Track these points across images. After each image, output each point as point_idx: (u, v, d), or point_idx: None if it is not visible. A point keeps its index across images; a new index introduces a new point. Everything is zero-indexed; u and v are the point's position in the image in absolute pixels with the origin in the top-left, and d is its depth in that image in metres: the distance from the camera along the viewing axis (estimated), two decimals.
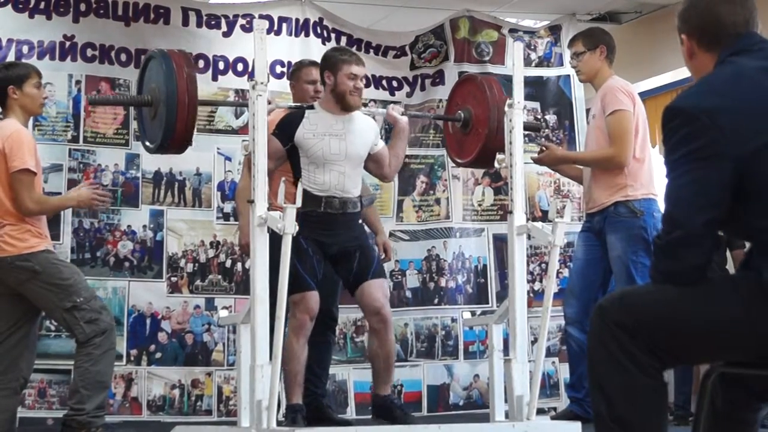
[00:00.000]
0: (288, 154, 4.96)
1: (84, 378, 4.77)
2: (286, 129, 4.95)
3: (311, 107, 5.02)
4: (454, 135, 5.36)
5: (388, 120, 5.19)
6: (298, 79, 5.52)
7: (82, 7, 6.10)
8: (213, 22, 6.39)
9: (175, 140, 4.52)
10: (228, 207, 6.23)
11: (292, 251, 4.79)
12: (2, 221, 4.77)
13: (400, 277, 6.44)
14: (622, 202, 5.25)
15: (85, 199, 4.98)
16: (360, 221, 5.14)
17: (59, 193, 5.80)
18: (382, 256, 5.50)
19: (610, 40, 5.54)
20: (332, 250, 4.96)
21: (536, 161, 5.65)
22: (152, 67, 4.65)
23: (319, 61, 5.75)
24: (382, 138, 5.23)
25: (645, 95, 7.05)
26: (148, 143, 4.72)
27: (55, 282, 4.78)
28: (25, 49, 5.95)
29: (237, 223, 6.03)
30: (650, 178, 5.36)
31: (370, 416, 5.91)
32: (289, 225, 4.15)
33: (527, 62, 6.49)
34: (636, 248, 5.20)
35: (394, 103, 6.33)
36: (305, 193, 4.82)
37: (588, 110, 5.82)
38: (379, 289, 4.98)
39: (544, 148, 5.62)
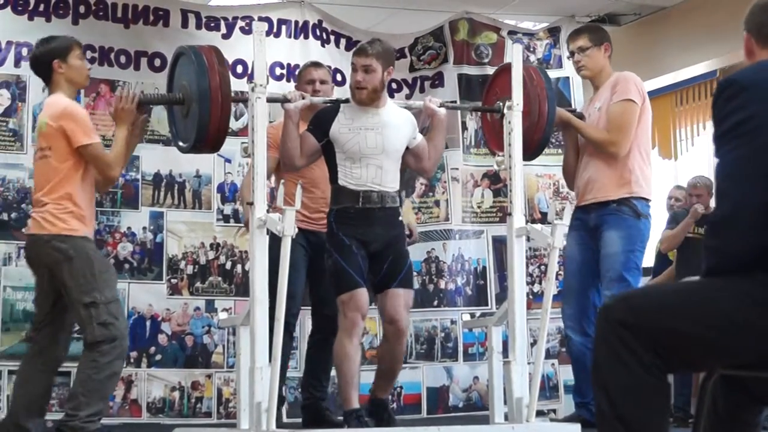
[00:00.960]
0: (324, 151, 4.86)
1: (85, 385, 4.70)
2: (320, 124, 4.84)
3: (346, 101, 4.92)
4: (493, 126, 5.25)
5: (425, 112, 5.07)
6: (300, 79, 5.49)
7: (82, 9, 6.10)
8: (212, 24, 6.39)
9: (209, 139, 4.47)
10: (228, 209, 6.23)
11: (335, 250, 4.77)
12: (44, 200, 4.73)
13: None
14: (626, 201, 5.19)
15: (123, 114, 4.78)
16: (400, 218, 5.02)
17: None
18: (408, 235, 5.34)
19: (610, 39, 5.49)
20: (373, 247, 4.83)
21: None
22: (183, 64, 4.59)
23: (321, 62, 5.77)
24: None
25: None
26: (181, 143, 4.67)
27: (84, 273, 4.69)
28: (24, 51, 5.94)
29: (237, 225, 6.05)
30: (650, 179, 5.34)
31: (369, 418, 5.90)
32: (288, 227, 4.15)
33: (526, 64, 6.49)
34: (633, 247, 5.17)
35: None
36: (341, 189, 4.80)
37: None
38: (401, 300, 4.86)
39: None
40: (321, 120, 4.86)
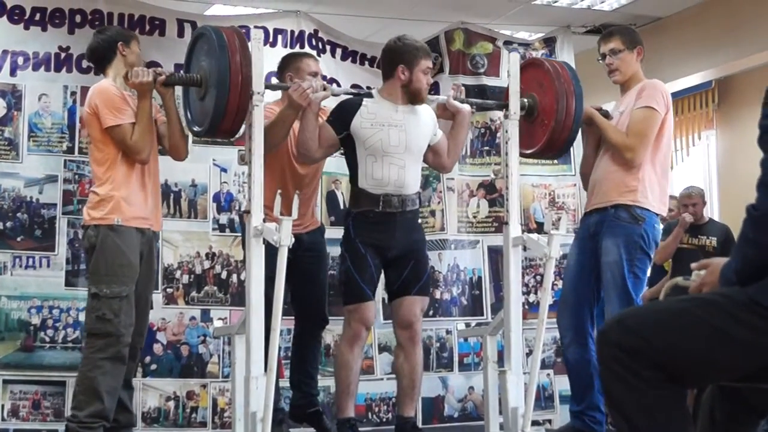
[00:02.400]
0: (343, 145, 4.81)
1: (81, 382, 4.72)
2: (341, 117, 4.77)
3: (369, 95, 4.86)
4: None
5: (449, 108, 4.95)
6: (298, 70, 5.18)
7: (78, 18, 6.09)
8: None
9: (225, 123, 4.36)
10: (223, 218, 6.22)
11: (349, 258, 4.76)
12: (91, 191, 4.90)
13: None
14: (625, 206, 5.03)
15: (140, 87, 4.74)
16: (419, 221, 5.00)
17: (54, 205, 5.82)
18: None
19: (643, 42, 5.31)
20: (391, 254, 4.80)
21: None
22: (202, 45, 4.51)
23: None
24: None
25: None
26: (195, 128, 4.61)
27: (98, 263, 4.75)
28: (20, 60, 5.94)
29: (233, 234, 6.02)
30: (663, 195, 5.17)
31: (369, 428, 5.90)
32: (285, 237, 4.14)
33: None
34: (632, 256, 5.00)
35: None
36: (360, 192, 4.76)
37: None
38: (418, 306, 4.87)
39: None
40: (343, 112, 4.80)
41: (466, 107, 4.96)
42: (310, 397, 5.31)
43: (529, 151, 5.15)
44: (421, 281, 4.86)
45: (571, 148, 6.70)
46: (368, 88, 5.02)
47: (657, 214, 5.13)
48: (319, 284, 5.24)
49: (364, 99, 4.83)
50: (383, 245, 4.78)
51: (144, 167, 4.89)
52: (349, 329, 4.76)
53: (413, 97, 4.81)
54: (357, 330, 4.75)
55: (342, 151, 4.98)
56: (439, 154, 4.96)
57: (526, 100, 5.03)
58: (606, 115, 5.25)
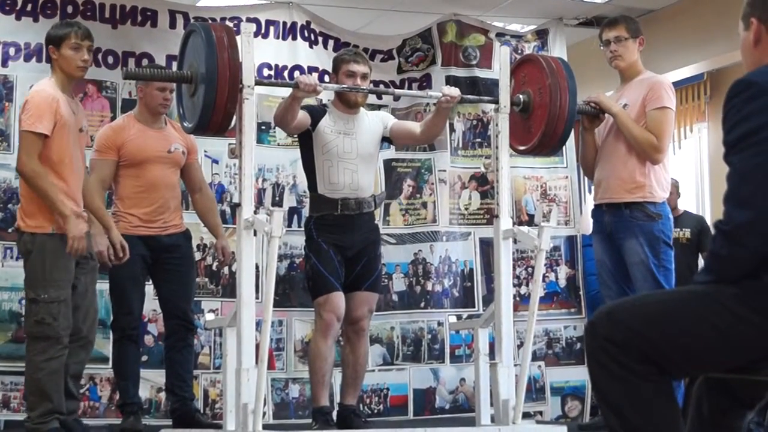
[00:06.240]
0: (302, 145, 5.14)
1: (29, 386, 4.82)
2: (313, 115, 5.09)
3: (326, 106, 5.22)
4: (512, 121, 5.07)
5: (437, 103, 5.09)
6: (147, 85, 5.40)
7: (69, 9, 6.08)
8: None
9: (214, 120, 4.37)
10: None
11: (313, 255, 5.04)
12: (21, 195, 4.87)
13: (386, 280, 6.43)
14: (639, 204, 5.15)
15: (76, 233, 4.69)
16: (376, 222, 5.32)
17: None
18: (221, 258, 5.66)
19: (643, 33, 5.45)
20: (350, 252, 5.09)
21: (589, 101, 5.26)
22: (193, 41, 4.53)
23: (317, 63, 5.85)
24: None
25: None
26: (186, 123, 4.64)
27: (35, 269, 4.76)
28: (11, 51, 5.94)
29: (224, 225, 6.00)
30: (666, 183, 5.29)
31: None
32: (276, 228, 4.14)
33: None
34: (658, 252, 5.13)
35: (381, 107, 6.33)
36: (320, 197, 5.09)
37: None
38: (365, 304, 5.15)
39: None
40: (314, 113, 5.12)
41: (448, 105, 5.05)
42: (184, 400, 5.38)
43: (522, 148, 5.17)
44: (372, 277, 5.18)
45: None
46: (323, 103, 5.24)
47: (665, 202, 5.27)
48: (181, 286, 5.38)
49: (327, 108, 5.18)
50: (343, 245, 5.07)
51: (73, 169, 4.86)
52: (321, 321, 5.00)
53: (347, 104, 5.15)
54: (329, 320, 4.98)
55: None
56: (401, 135, 5.30)
57: (522, 96, 5.04)
58: (597, 115, 5.27)
